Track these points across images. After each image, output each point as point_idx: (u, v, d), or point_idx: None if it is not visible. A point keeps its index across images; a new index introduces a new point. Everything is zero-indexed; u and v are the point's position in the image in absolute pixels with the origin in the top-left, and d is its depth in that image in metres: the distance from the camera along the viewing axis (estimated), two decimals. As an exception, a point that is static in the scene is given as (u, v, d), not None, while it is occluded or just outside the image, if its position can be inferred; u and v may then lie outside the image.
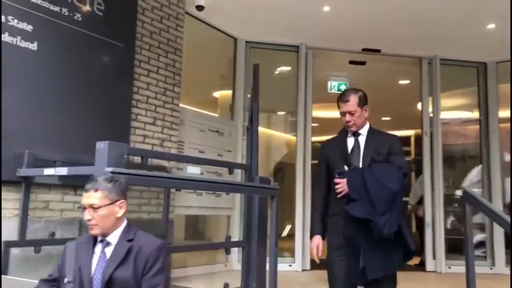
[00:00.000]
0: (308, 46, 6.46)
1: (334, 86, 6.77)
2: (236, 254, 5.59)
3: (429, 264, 6.37)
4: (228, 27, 6.03)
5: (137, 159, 3.26)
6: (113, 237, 1.96)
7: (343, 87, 6.56)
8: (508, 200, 6.38)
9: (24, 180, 3.23)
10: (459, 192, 6.59)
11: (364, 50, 6.58)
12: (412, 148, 9.96)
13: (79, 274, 1.89)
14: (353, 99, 2.66)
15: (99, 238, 1.97)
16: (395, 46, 6.40)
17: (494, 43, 5.99)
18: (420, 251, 6.55)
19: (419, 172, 6.90)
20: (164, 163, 4.27)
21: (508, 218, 2.78)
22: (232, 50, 6.29)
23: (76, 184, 3.40)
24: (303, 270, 6.02)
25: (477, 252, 6.33)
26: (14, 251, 3.15)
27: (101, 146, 2.46)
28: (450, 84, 6.87)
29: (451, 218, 6.53)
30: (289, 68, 6.77)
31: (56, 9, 3.57)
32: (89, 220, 1.92)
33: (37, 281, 2.04)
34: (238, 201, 5.89)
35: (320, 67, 6.64)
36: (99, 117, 3.80)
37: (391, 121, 9.74)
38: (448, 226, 6.51)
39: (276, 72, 6.98)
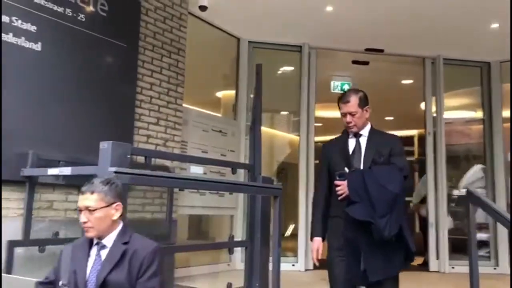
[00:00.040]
0: (311, 46, 6.46)
1: (337, 86, 6.77)
2: (239, 254, 5.60)
3: (433, 264, 6.35)
4: (231, 27, 6.04)
5: (140, 159, 3.27)
6: (109, 240, 1.95)
7: (346, 87, 6.56)
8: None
9: (28, 180, 3.25)
10: (456, 192, 6.58)
11: (367, 50, 6.57)
12: (415, 148, 9.95)
13: (74, 277, 1.88)
14: (354, 99, 2.64)
15: (95, 241, 1.96)
16: (398, 46, 6.40)
17: (497, 42, 5.97)
18: (423, 251, 6.54)
19: (422, 172, 6.89)
20: (167, 163, 4.28)
21: (508, 216, 2.77)
22: (235, 50, 6.30)
23: (80, 184, 3.36)
24: (306, 270, 6.02)
25: (481, 252, 6.32)
26: (19, 250, 3.17)
27: (105, 146, 2.47)
28: (453, 84, 6.85)
29: (449, 218, 6.50)
30: (292, 68, 6.77)
31: (60, 9, 3.59)
32: (84, 222, 1.92)
33: (37, 279, 2.04)
34: (241, 201, 5.90)
35: (323, 67, 6.63)
36: (103, 117, 3.82)
37: (395, 121, 9.72)
38: (450, 226, 6.49)
39: (279, 72, 6.99)
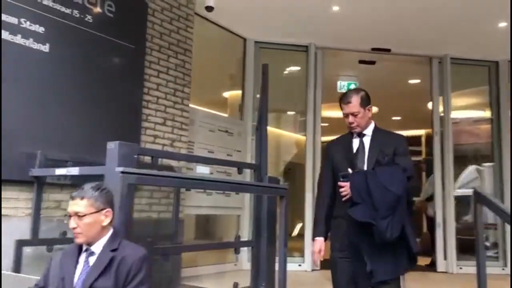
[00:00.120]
0: (318, 45, 6.45)
1: (344, 85, 6.76)
2: (246, 253, 5.61)
3: (441, 265, 6.32)
4: (237, 27, 6.05)
5: (147, 159, 3.28)
6: (97, 247, 1.94)
7: (352, 87, 6.53)
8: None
9: (36, 180, 3.28)
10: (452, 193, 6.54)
11: (373, 49, 6.55)
12: (423, 147, 9.91)
13: (62, 283, 1.88)
14: (355, 99, 2.60)
15: (84, 247, 1.96)
16: (405, 45, 6.37)
17: (506, 41, 5.92)
18: (431, 251, 6.51)
19: (430, 172, 6.85)
20: (173, 163, 4.30)
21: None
22: (241, 50, 6.31)
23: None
24: (313, 270, 6.01)
25: (489, 253, 6.27)
26: (27, 249, 3.20)
27: (112, 146, 2.49)
28: (461, 83, 6.80)
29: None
30: (298, 68, 6.77)
31: (68, 11, 3.62)
32: (74, 228, 1.91)
33: (38, 278, 2.06)
34: (247, 201, 5.90)
35: (329, 67, 6.62)
36: (110, 118, 3.84)
37: (402, 120, 9.69)
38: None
39: (286, 72, 6.98)
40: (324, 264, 2.69)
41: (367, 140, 2.63)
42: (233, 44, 6.24)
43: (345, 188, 2.46)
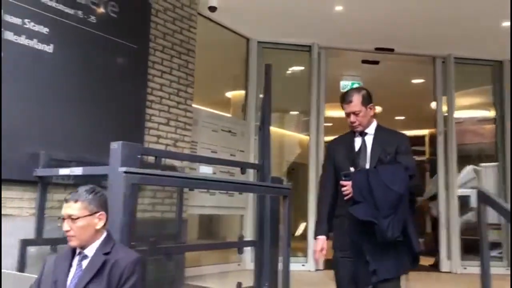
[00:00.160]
0: (321, 45, 6.45)
1: (347, 85, 6.74)
2: (249, 253, 5.61)
3: (445, 265, 6.30)
4: (240, 27, 6.05)
5: (151, 159, 3.29)
6: (90, 250, 1.93)
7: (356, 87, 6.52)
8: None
9: (40, 180, 3.30)
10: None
11: (377, 49, 6.53)
12: (426, 147, 9.87)
13: (55, 287, 1.88)
14: (356, 98, 2.59)
15: (77, 251, 1.95)
16: (408, 45, 6.35)
17: (509, 41, 5.90)
18: (435, 251, 6.49)
19: (433, 171, 6.84)
20: (176, 163, 4.30)
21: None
22: (244, 50, 6.32)
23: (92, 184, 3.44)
24: (316, 270, 6.01)
25: (494, 253, 6.24)
26: (31, 249, 3.22)
27: (115, 146, 2.49)
28: (464, 83, 6.79)
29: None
30: (301, 68, 6.76)
31: (71, 11, 3.63)
32: (67, 231, 1.90)
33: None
34: (251, 201, 5.90)
35: (332, 67, 6.62)
36: (114, 118, 3.85)
37: (405, 120, 9.66)
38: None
39: (289, 72, 6.98)
40: (328, 264, 2.70)
41: (369, 139, 2.62)
42: (236, 44, 6.24)
43: (347, 187, 2.45)
